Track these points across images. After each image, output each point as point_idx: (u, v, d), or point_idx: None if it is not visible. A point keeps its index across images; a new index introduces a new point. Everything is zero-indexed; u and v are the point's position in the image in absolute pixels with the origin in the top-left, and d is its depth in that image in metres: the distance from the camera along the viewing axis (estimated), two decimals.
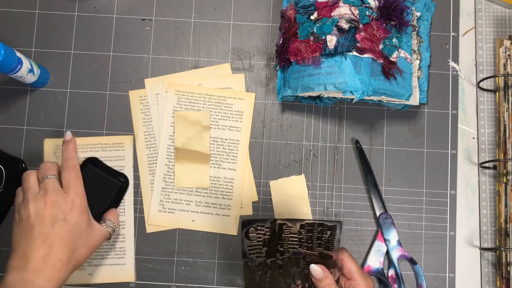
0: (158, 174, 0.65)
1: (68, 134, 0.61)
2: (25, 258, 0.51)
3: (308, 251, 0.53)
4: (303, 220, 0.52)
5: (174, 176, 0.65)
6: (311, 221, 0.52)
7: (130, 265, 0.64)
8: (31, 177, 0.57)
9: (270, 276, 0.55)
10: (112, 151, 0.66)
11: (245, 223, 0.52)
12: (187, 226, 0.65)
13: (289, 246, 0.53)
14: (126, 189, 0.65)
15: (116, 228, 0.61)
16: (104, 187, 0.64)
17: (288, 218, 0.53)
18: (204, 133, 0.65)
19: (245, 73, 0.67)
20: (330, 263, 0.53)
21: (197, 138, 0.65)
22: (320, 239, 0.53)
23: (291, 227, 0.52)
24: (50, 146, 0.66)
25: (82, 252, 0.55)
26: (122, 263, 0.64)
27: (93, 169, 0.64)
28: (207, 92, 0.66)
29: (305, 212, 0.64)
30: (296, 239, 0.53)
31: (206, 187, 0.65)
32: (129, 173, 0.65)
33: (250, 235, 0.53)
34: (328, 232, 0.52)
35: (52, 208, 0.54)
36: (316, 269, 0.53)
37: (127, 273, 0.64)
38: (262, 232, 0.53)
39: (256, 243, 0.53)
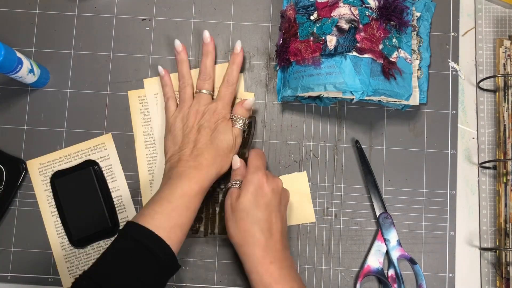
0: (157, 174, 0.65)
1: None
2: (178, 159, 0.58)
3: None
4: None
5: None
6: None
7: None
8: (187, 89, 0.63)
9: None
10: (95, 154, 0.66)
11: None
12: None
13: None
14: (101, 170, 0.66)
15: (245, 122, 0.63)
16: (83, 184, 0.64)
17: None
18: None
19: (245, 73, 0.67)
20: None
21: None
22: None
23: None
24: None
25: (223, 159, 0.60)
26: None
27: (62, 179, 0.65)
28: None
29: (308, 208, 0.64)
30: None
31: None
32: (118, 170, 0.66)
33: None
34: (247, 130, 0.63)
35: (203, 118, 0.61)
36: (235, 158, 0.60)
37: None
38: None
39: None
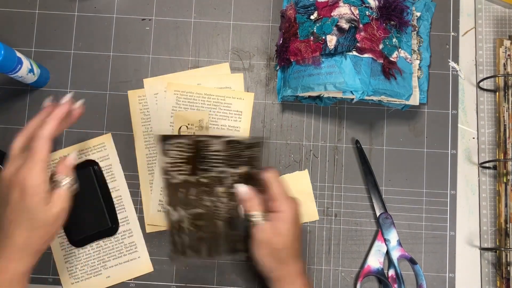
0: (157, 174, 0.65)
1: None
2: None
3: (234, 170, 0.53)
4: (224, 136, 0.52)
5: None
6: (232, 138, 0.52)
7: (145, 257, 0.64)
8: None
9: (194, 194, 0.54)
10: (95, 153, 0.66)
11: (162, 138, 0.52)
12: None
13: (213, 164, 0.53)
14: (101, 170, 0.65)
15: (72, 182, 0.52)
16: (83, 184, 0.64)
17: (208, 135, 0.53)
18: (203, 132, 0.65)
19: (245, 73, 0.67)
20: (256, 183, 0.53)
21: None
22: (244, 157, 0.53)
23: (214, 144, 0.52)
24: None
25: (42, 237, 0.50)
26: (136, 257, 0.64)
27: None
28: (206, 91, 0.66)
29: (311, 206, 0.64)
30: (220, 157, 0.53)
31: None
32: (118, 170, 0.66)
33: (169, 151, 0.53)
34: (251, 150, 0.53)
35: (2, 186, 0.50)
36: (241, 188, 0.53)
37: (144, 265, 0.64)
38: (183, 149, 0.52)
39: (178, 161, 0.52)
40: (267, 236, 0.52)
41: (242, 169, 0.53)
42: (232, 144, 0.53)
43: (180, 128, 0.61)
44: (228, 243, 0.56)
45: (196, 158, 0.53)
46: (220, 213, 0.55)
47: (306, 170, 0.65)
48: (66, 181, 0.51)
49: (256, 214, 0.52)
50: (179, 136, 0.52)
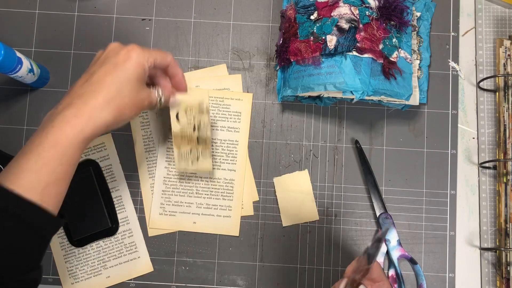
0: (158, 177, 0.65)
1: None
2: (65, 96, 0.48)
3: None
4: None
5: (174, 179, 0.65)
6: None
7: (145, 257, 0.64)
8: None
9: None
10: (95, 153, 0.66)
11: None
12: (189, 229, 0.65)
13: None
14: (101, 170, 0.65)
15: (162, 99, 0.54)
16: (83, 184, 0.64)
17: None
18: (204, 117, 0.60)
19: (245, 73, 0.67)
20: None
21: (195, 122, 0.60)
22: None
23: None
24: None
25: (126, 101, 0.48)
26: (136, 257, 0.64)
27: None
28: None
29: (311, 206, 0.64)
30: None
31: (209, 170, 0.62)
32: (118, 170, 0.66)
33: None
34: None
35: (109, 52, 0.50)
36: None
37: (144, 265, 0.64)
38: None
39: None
40: None
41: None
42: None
43: (177, 114, 0.58)
44: None
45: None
46: None
47: (306, 170, 0.65)
48: (160, 95, 0.53)
49: None
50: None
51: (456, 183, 0.65)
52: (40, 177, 0.44)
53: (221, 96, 0.66)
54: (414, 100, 0.63)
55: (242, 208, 0.65)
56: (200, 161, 0.61)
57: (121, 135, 0.66)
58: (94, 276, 0.64)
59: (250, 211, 0.65)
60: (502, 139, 0.64)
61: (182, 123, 0.59)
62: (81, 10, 0.69)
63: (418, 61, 0.64)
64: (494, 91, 0.67)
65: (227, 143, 0.66)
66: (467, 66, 0.68)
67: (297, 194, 0.64)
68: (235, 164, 0.65)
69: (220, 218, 0.65)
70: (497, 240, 0.64)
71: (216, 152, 0.66)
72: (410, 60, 0.62)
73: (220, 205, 0.65)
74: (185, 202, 0.65)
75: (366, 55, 0.58)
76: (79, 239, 0.64)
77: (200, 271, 0.64)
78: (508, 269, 0.61)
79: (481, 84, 0.66)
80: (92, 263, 0.64)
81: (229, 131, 0.66)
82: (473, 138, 0.66)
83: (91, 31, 0.68)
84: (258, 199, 0.65)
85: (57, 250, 0.65)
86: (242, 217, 0.65)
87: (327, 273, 0.64)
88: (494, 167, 0.65)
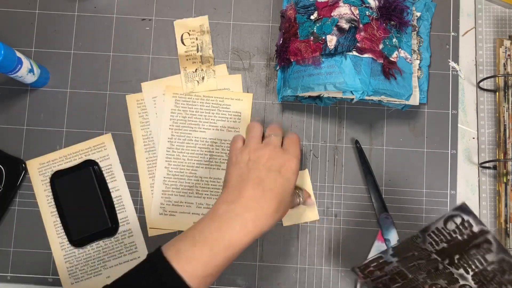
0: (158, 177, 0.65)
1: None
2: (238, 194, 0.51)
3: (476, 284, 0.48)
4: (510, 256, 0.44)
5: (174, 179, 0.65)
6: None
7: (145, 257, 0.64)
8: (257, 128, 0.58)
9: (419, 264, 0.50)
10: (95, 153, 0.66)
11: (461, 209, 0.44)
12: None
13: (466, 264, 0.47)
14: (100, 170, 0.65)
15: (302, 201, 0.61)
16: (83, 184, 0.64)
17: (499, 242, 0.45)
18: (205, 37, 0.66)
19: (245, 73, 0.67)
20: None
21: (198, 43, 0.67)
22: (500, 286, 0.46)
23: (491, 252, 0.45)
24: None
25: (286, 208, 0.54)
26: (136, 257, 0.64)
27: (62, 179, 0.65)
28: (205, 93, 0.66)
29: (312, 206, 0.65)
30: (479, 266, 0.46)
31: (214, 88, 0.66)
32: (118, 170, 0.66)
33: (451, 222, 0.45)
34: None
35: (271, 159, 0.54)
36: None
37: None
38: (464, 231, 0.45)
39: (445, 234, 0.46)
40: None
41: None
42: (505, 266, 0.45)
43: (182, 35, 0.65)
44: None
45: (461, 248, 0.46)
46: None
47: (306, 170, 0.65)
48: (301, 199, 0.61)
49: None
50: (476, 219, 0.43)
51: (456, 183, 0.65)
52: (206, 269, 0.48)
53: (221, 96, 0.66)
54: (414, 100, 0.63)
55: None
56: (205, 80, 0.65)
57: (121, 135, 0.66)
58: (94, 276, 0.64)
59: None
60: (502, 139, 0.64)
61: (187, 45, 0.65)
62: (81, 10, 0.69)
63: (418, 61, 0.64)
64: (494, 91, 0.67)
65: (227, 143, 0.66)
66: (467, 66, 0.68)
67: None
68: None
69: None
70: None
71: (216, 152, 0.66)
72: (410, 60, 0.62)
73: None
74: (185, 202, 0.65)
75: (366, 55, 0.58)
76: (79, 239, 0.64)
77: None
78: None
79: (481, 84, 0.66)
80: (92, 263, 0.64)
81: (229, 131, 0.66)
82: (473, 138, 0.66)
83: (91, 31, 0.68)
84: None
85: (57, 250, 0.65)
86: None
87: (327, 273, 0.64)
88: (494, 167, 0.65)
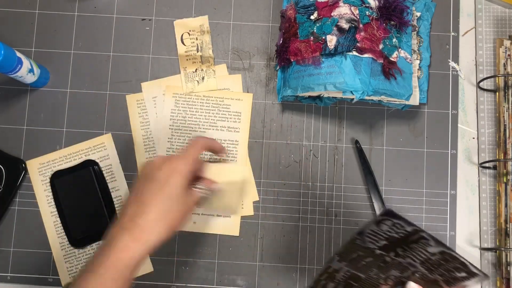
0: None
1: None
2: (120, 215, 0.51)
3: (425, 272, 0.49)
4: (449, 248, 0.46)
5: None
6: (456, 256, 0.47)
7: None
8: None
9: (367, 263, 0.51)
10: (95, 153, 0.66)
11: (388, 214, 0.45)
12: (189, 229, 0.65)
13: (411, 255, 0.48)
14: (100, 170, 0.65)
15: (208, 193, 0.57)
16: (83, 184, 0.64)
17: (435, 238, 0.47)
18: (205, 37, 0.67)
19: (245, 73, 0.67)
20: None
21: (198, 43, 0.67)
22: (448, 273, 0.48)
23: (430, 246, 0.47)
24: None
25: (176, 215, 0.51)
26: None
27: (62, 179, 0.65)
28: (205, 93, 0.66)
29: (242, 200, 0.64)
30: (423, 256, 0.48)
31: (214, 88, 0.66)
32: (118, 170, 0.66)
33: (382, 225, 0.47)
34: (464, 274, 0.48)
35: (153, 167, 0.52)
36: (413, 285, 0.49)
37: (144, 265, 0.64)
38: (397, 230, 0.47)
39: (381, 234, 0.48)
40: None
41: (435, 278, 0.49)
42: (450, 257, 0.47)
43: (182, 35, 0.65)
44: None
45: (402, 243, 0.48)
46: None
47: (247, 167, 0.65)
48: (203, 190, 0.55)
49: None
50: (406, 221, 0.45)
51: (456, 183, 0.65)
52: None
53: (221, 96, 0.66)
54: (414, 100, 0.63)
55: (242, 208, 0.65)
56: (206, 80, 0.65)
57: (121, 135, 0.66)
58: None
59: (250, 211, 0.65)
60: (502, 139, 0.64)
61: (187, 45, 0.65)
62: (81, 10, 0.69)
63: (418, 61, 0.64)
64: (494, 91, 0.67)
65: (227, 143, 0.66)
66: (467, 66, 0.68)
67: (228, 186, 0.61)
68: (236, 164, 0.65)
69: (220, 218, 0.65)
70: (497, 240, 0.64)
71: None
72: (410, 60, 0.62)
73: None
74: None
75: (366, 55, 0.58)
76: (78, 239, 0.64)
77: (200, 271, 0.64)
78: (508, 269, 0.61)
79: (481, 84, 0.66)
80: None
81: (229, 131, 0.66)
82: (473, 138, 0.66)
83: (91, 31, 0.68)
84: (258, 199, 0.65)
85: (57, 250, 0.65)
86: (242, 217, 0.65)
87: None
88: (494, 167, 0.65)
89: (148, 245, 0.49)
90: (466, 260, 0.47)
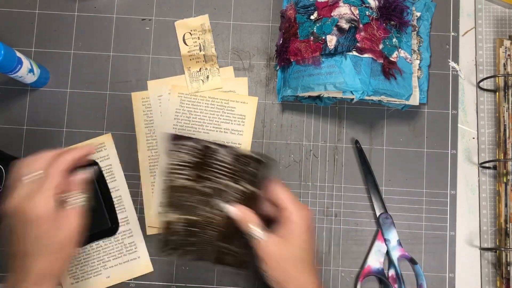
0: (159, 175, 0.65)
1: None
2: (11, 266, 0.49)
3: (237, 185, 0.52)
4: (234, 148, 0.51)
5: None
6: (243, 152, 0.51)
7: (145, 257, 0.64)
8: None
9: (192, 201, 0.53)
10: (96, 153, 0.66)
11: (170, 138, 0.50)
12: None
13: (218, 174, 0.52)
14: (101, 170, 0.65)
15: (83, 197, 0.52)
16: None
17: (218, 143, 0.51)
18: (207, 36, 0.67)
19: (245, 73, 0.67)
20: (257, 200, 0.52)
21: (200, 42, 0.67)
22: (250, 174, 0.52)
23: (222, 154, 0.51)
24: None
25: (57, 248, 0.49)
26: (136, 257, 0.64)
27: None
28: (210, 95, 0.66)
29: None
30: (226, 169, 0.51)
31: (220, 87, 0.66)
32: (118, 170, 0.66)
33: (175, 152, 0.51)
34: (259, 169, 0.52)
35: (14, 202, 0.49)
36: (230, 209, 0.51)
37: (144, 265, 0.64)
38: (190, 153, 0.51)
39: (183, 163, 0.52)
40: (273, 250, 0.49)
41: (246, 186, 0.52)
42: (241, 158, 0.51)
43: (184, 35, 0.65)
44: (218, 255, 0.54)
45: (202, 164, 0.51)
46: (215, 224, 0.53)
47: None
48: (74, 199, 0.51)
49: (256, 230, 0.50)
50: (188, 138, 0.50)
51: (456, 183, 0.65)
52: None
53: (226, 98, 0.66)
54: (414, 100, 0.63)
55: None
56: (210, 79, 0.65)
57: (121, 135, 0.66)
58: (94, 276, 0.64)
59: None
60: (502, 139, 0.64)
61: (189, 45, 0.65)
62: (81, 10, 0.69)
63: (418, 61, 0.64)
64: (494, 91, 0.67)
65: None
66: (467, 66, 0.68)
67: None
68: None
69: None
70: (497, 240, 0.64)
71: None
72: (410, 60, 0.62)
73: None
74: None
75: (366, 55, 0.58)
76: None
77: (200, 271, 0.64)
78: (508, 269, 0.61)
79: (481, 84, 0.66)
80: (92, 263, 0.64)
81: (232, 133, 0.66)
82: (473, 138, 0.66)
83: (91, 31, 0.68)
84: None
85: None
86: None
87: (327, 273, 0.64)
88: (494, 167, 0.65)
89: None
90: (248, 151, 0.52)
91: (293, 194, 0.52)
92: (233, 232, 0.52)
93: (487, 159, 0.65)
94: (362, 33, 0.59)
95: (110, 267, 0.64)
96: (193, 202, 0.53)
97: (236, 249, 0.54)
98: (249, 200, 0.52)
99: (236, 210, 0.51)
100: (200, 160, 0.51)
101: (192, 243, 0.54)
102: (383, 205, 0.64)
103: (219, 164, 0.52)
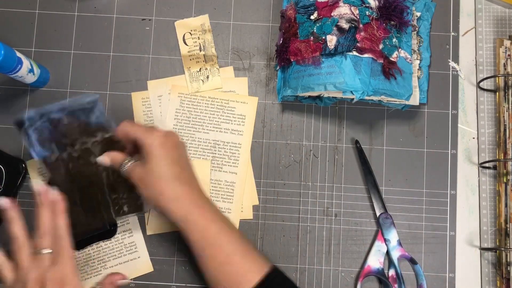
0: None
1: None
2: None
3: (94, 138, 0.58)
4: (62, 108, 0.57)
5: None
6: (70, 108, 0.57)
7: (145, 257, 0.64)
8: (23, 252, 0.50)
9: (73, 168, 0.58)
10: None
11: (18, 124, 0.57)
12: None
13: (73, 137, 0.57)
14: None
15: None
16: None
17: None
18: (207, 35, 0.67)
19: (245, 73, 0.67)
20: (119, 142, 0.58)
21: (200, 42, 0.67)
22: (90, 123, 0.58)
23: (61, 118, 0.57)
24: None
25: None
26: (136, 257, 0.64)
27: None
28: (210, 95, 0.66)
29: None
30: (75, 128, 0.57)
31: (220, 86, 0.66)
32: None
33: (30, 135, 0.57)
34: (94, 111, 0.58)
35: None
36: (101, 159, 0.57)
37: (144, 265, 0.64)
38: (41, 129, 0.57)
39: (41, 140, 0.57)
40: (139, 172, 0.54)
41: (97, 135, 0.58)
42: (72, 113, 0.57)
43: (184, 35, 0.66)
44: (115, 207, 0.59)
45: (55, 134, 0.57)
46: (101, 182, 0.59)
47: (210, 160, 0.65)
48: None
49: (123, 163, 0.55)
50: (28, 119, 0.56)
51: (456, 183, 0.65)
52: None
53: (226, 98, 0.66)
54: (414, 100, 0.63)
55: (242, 211, 0.65)
56: (210, 79, 0.65)
57: None
58: (94, 276, 0.64)
59: (249, 215, 0.65)
60: (502, 139, 0.64)
61: (189, 45, 0.65)
62: (81, 10, 0.69)
63: (418, 61, 0.64)
64: (494, 91, 0.67)
65: (230, 146, 0.66)
66: (467, 66, 0.68)
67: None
68: (237, 167, 0.65)
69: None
70: (497, 240, 0.64)
71: (218, 154, 0.66)
72: (410, 60, 0.62)
73: (219, 208, 0.65)
74: None
75: (366, 55, 0.58)
76: (78, 240, 0.64)
77: (200, 271, 0.64)
78: (508, 269, 0.61)
79: (481, 84, 0.66)
80: (92, 263, 0.64)
81: (232, 133, 0.66)
82: (473, 138, 0.66)
83: (91, 31, 0.68)
84: (258, 203, 0.65)
85: None
86: (241, 219, 0.65)
87: (327, 273, 0.64)
88: (494, 167, 0.65)
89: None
90: (75, 103, 0.58)
91: (142, 124, 0.57)
92: (117, 181, 0.59)
93: (487, 159, 0.65)
94: (362, 33, 0.59)
95: (110, 267, 0.64)
96: (77, 168, 0.58)
97: (127, 195, 0.59)
98: (112, 145, 0.58)
99: (104, 157, 0.57)
100: (53, 131, 0.57)
101: (93, 215, 0.59)
102: (383, 205, 0.64)
103: (69, 127, 0.57)
